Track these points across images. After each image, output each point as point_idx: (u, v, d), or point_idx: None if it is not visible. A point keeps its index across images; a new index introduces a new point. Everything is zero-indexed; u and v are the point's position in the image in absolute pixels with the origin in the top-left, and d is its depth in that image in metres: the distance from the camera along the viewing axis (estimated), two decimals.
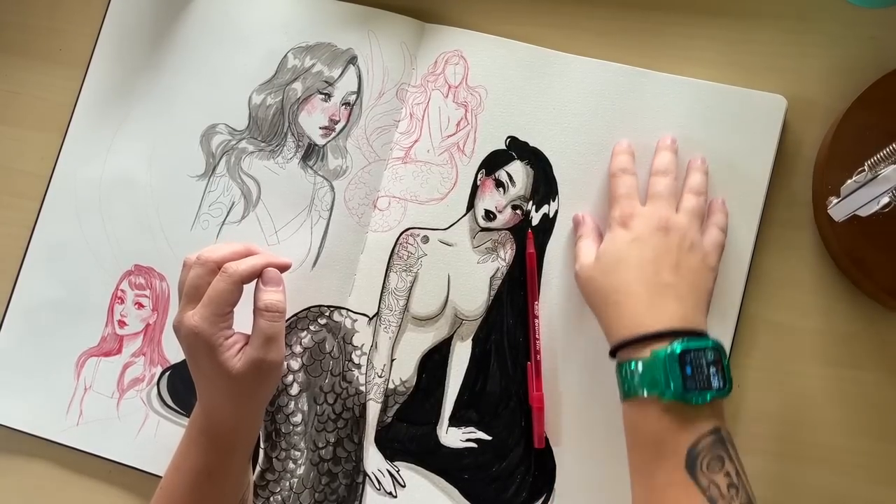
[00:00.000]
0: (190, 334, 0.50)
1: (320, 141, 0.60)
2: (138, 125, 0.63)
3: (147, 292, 0.61)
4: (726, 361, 0.45)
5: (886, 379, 0.52)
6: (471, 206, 0.58)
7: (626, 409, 0.47)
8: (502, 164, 0.58)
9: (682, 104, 0.56)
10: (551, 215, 0.57)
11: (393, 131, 0.60)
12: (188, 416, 0.59)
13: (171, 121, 0.63)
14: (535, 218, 0.57)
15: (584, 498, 0.54)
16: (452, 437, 0.56)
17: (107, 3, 0.65)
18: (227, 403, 0.52)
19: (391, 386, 0.57)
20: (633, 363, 0.45)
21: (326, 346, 0.58)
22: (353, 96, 0.60)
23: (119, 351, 0.61)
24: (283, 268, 0.55)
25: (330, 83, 0.60)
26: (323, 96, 0.60)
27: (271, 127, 0.61)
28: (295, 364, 0.58)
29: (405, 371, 0.57)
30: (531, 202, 0.57)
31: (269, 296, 0.53)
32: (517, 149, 0.58)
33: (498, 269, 0.57)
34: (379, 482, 0.57)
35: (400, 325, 0.58)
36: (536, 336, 0.55)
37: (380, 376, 0.57)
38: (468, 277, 0.57)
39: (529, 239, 0.56)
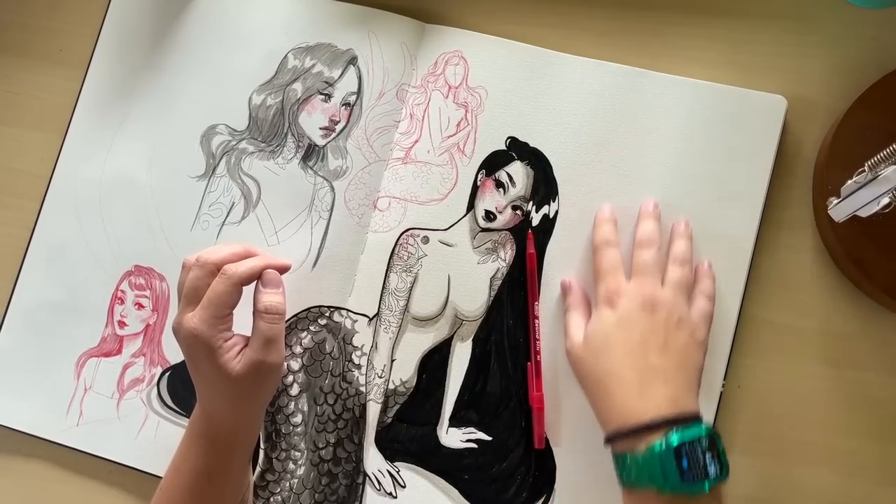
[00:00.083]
0: (189, 336, 0.50)
1: (320, 141, 0.60)
2: (138, 125, 0.63)
3: (147, 293, 0.61)
4: (721, 447, 0.45)
5: (886, 379, 0.52)
6: (471, 206, 0.58)
7: (625, 495, 0.47)
8: (502, 165, 0.58)
9: (682, 104, 0.56)
10: (551, 216, 0.57)
11: (393, 132, 0.60)
12: (188, 417, 0.59)
13: (171, 121, 0.63)
14: (536, 218, 0.57)
15: (584, 498, 0.54)
16: (452, 437, 0.56)
17: (107, 3, 0.65)
18: (226, 405, 0.52)
19: (391, 386, 0.57)
20: (628, 457, 0.45)
21: (326, 347, 0.58)
22: (354, 97, 0.60)
23: (119, 351, 0.61)
24: (283, 269, 0.55)
25: (330, 83, 0.60)
26: (323, 97, 0.60)
27: (271, 127, 0.61)
28: (295, 364, 0.58)
29: (405, 371, 0.57)
30: (531, 203, 0.57)
31: (269, 297, 0.53)
32: (517, 149, 0.58)
33: (498, 270, 0.57)
34: (379, 483, 0.57)
35: (400, 326, 0.57)
36: (536, 336, 0.55)
37: (380, 377, 0.57)
38: (468, 278, 0.57)
39: (529, 239, 0.56)
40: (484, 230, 0.58)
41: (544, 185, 0.57)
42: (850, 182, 0.46)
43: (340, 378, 0.58)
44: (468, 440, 0.56)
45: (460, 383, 0.57)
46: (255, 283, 0.54)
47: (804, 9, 0.56)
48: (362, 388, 0.57)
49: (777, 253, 0.54)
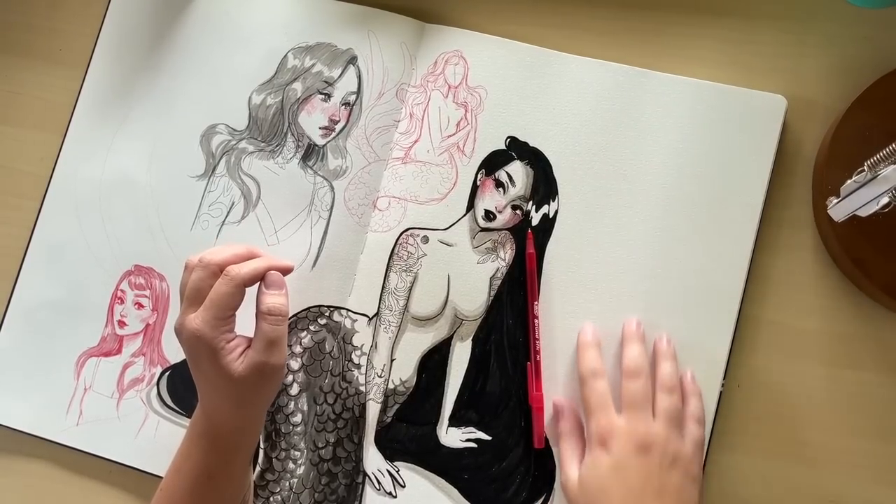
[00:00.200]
0: (192, 337, 0.50)
1: (320, 141, 0.60)
2: (138, 125, 0.63)
3: (147, 292, 0.61)
4: None
5: (886, 379, 0.52)
6: (471, 206, 0.58)
7: None
8: (502, 165, 0.58)
9: (682, 104, 0.56)
10: (551, 215, 0.57)
11: (393, 131, 0.60)
12: (188, 417, 0.59)
13: (171, 121, 0.63)
14: (535, 218, 0.57)
15: None
16: (452, 437, 0.56)
17: (107, 3, 0.65)
18: (228, 406, 0.52)
19: (391, 386, 0.57)
20: None
21: (326, 347, 0.58)
22: (353, 96, 0.60)
23: (119, 351, 0.61)
24: (286, 271, 0.55)
25: (330, 83, 0.60)
26: (323, 96, 0.60)
27: (271, 127, 0.61)
28: (295, 364, 0.58)
29: (405, 371, 0.57)
30: (531, 202, 0.57)
31: (272, 299, 0.53)
32: (517, 149, 0.58)
33: (498, 270, 0.57)
34: (379, 482, 0.57)
35: (400, 326, 0.57)
36: (536, 336, 0.55)
37: (380, 376, 0.57)
38: (468, 277, 0.57)
39: (529, 239, 0.56)
40: (484, 230, 0.58)
41: (544, 185, 0.57)
42: (849, 182, 0.46)
43: (340, 378, 0.58)
44: (468, 440, 0.56)
45: (460, 383, 0.57)
46: (257, 284, 0.54)
47: (804, 9, 0.56)
48: (362, 388, 0.57)
49: (777, 253, 0.54)
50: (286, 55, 0.61)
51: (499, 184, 0.58)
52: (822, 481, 0.52)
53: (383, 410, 0.57)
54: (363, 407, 0.57)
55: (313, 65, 0.61)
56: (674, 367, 0.52)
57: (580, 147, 0.57)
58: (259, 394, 0.52)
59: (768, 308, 0.54)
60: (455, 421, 0.56)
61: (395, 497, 0.56)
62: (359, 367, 0.58)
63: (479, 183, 0.58)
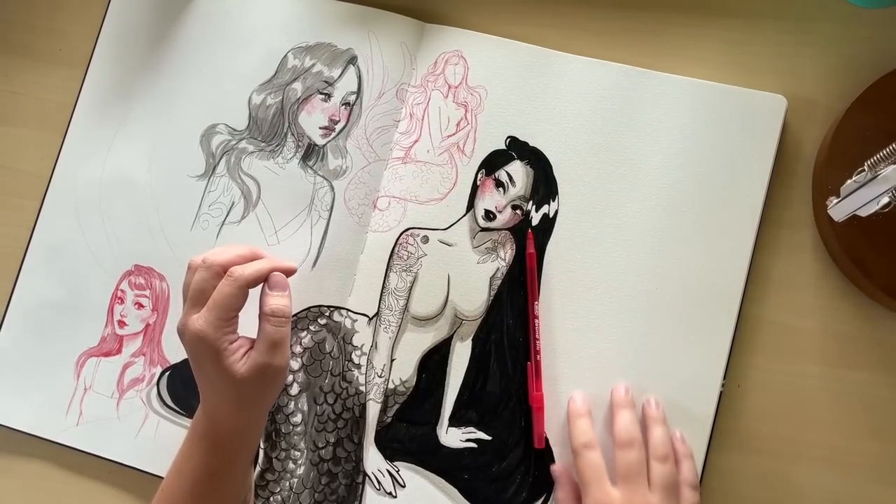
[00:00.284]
0: (194, 338, 0.50)
1: (320, 141, 0.60)
2: (138, 125, 0.63)
3: (147, 292, 0.61)
4: None
5: (886, 379, 0.52)
6: (471, 206, 0.58)
7: None
8: (502, 164, 0.58)
9: (682, 104, 0.56)
10: (551, 215, 0.57)
11: (393, 131, 0.60)
12: (188, 417, 0.59)
13: (171, 121, 0.63)
14: (535, 218, 0.57)
15: None
16: (452, 437, 0.56)
17: (107, 3, 0.65)
18: (230, 407, 0.52)
19: (391, 386, 0.57)
20: None
21: (326, 347, 0.58)
22: (353, 96, 0.60)
23: (119, 351, 0.61)
24: (289, 272, 0.55)
25: (330, 83, 0.60)
26: (323, 96, 0.61)
27: (271, 127, 0.61)
28: (295, 364, 0.58)
29: (405, 371, 0.57)
30: (531, 202, 0.57)
31: (275, 300, 0.52)
32: (517, 149, 0.58)
33: (498, 269, 0.57)
34: (379, 482, 0.57)
35: (400, 325, 0.57)
36: (536, 336, 0.55)
37: (380, 376, 0.57)
38: (468, 277, 0.57)
39: (529, 239, 0.56)
40: (484, 230, 0.58)
41: (544, 185, 0.57)
42: (849, 182, 0.46)
43: (340, 378, 0.58)
44: (468, 440, 0.56)
45: (460, 383, 0.57)
46: (261, 285, 0.54)
47: (804, 9, 0.56)
48: (362, 388, 0.57)
49: (777, 253, 0.54)
50: (286, 55, 0.61)
51: (499, 184, 0.58)
52: (822, 481, 0.52)
53: (383, 410, 0.57)
54: (363, 407, 0.57)
55: (313, 65, 0.61)
56: (665, 433, 0.52)
57: (580, 147, 0.57)
58: (261, 395, 0.52)
59: (768, 308, 0.54)
60: (455, 421, 0.56)
61: (395, 497, 0.56)
62: (359, 367, 0.58)
63: (479, 183, 0.58)
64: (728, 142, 0.55)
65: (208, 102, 0.62)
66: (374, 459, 0.57)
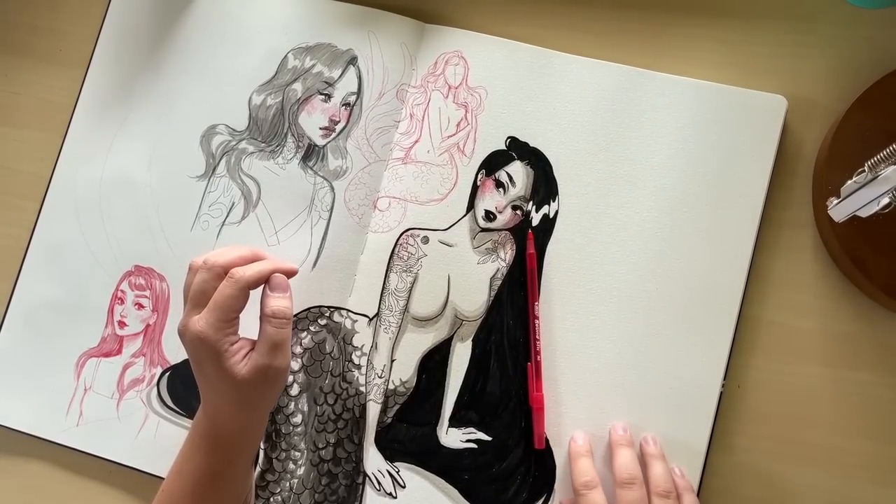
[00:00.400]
0: (195, 339, 0.50)
1: (320, 141, 0.60)
2: (138, 126, 0.63)
3: (147, 293, 0.61)
4: None
5: (886, 379, 0.52)
6: (471, 206, 0.58)
7: None
8: (502, 165, 0.58)
9: (682, 104, 0.56)
10: (551, 216, 0.57)
11: (393, 132, 0.60)
12: (188, 417, 0.59)
13: (171, 121, 0.63)
14: (536, 218, 0.57)
15: None
16: (452, 437, 0.56)
17: (107, 3, 0.65)
18: (231, 408, 0.52)
19: (391, 386, 0.57)
20: None
21: (326, 347, 0.58)
22: (354, 97, 0.60)
23: (119, 351, 0.61)
24: (290, 274, 0.55)
25: (330, 84, 0.60)
26: (323, 97, 0.61)
27: (271, 127, 0.61)
28: (295, 365, 0.58)
29: (405, 372, 0.57)
30: (531, 202, 0.57)
31: (276, 302, 0.52)
32: (517, 149, 0.58)
33: (498, 270, 0.57)
34: (379, 483, 0.57)
35: (400, 326, 0.58)
36: (536, 336, 0.55)
37: (380, 377, 0.57)
38: (468, 278, 0.57)
39: (530, 239, 0.56)
40: (484, 230, 0.58)
41: (544, 185, 0.57)
42: (849, 182, 0.46)
43: (340, 378, 0.58)
44: (468, 440, 0.56)
45: (460, 383, 0.57)
46: (261, 287, 0.54)
47: (804, 9, 0.56)
48: (362, 389, 0.57)
49: (777, 253, 0.54)
50: (286, 56, 0.61)
51: (499, 184, 0.58)
52: (822, 481, 0.52)
53: (383, 411, 0.57)
54: (363, 407, 0.57)
55: (313, 65, 0.61)
56: (665, 469, 0.52)
57: (580, 147, 0.57)
58: (262, 396, 0.52)
59: (768, 308, 0.54)
60: (455, 421, 0.56)
61: (396, 497, 0.56)
62: (359, 367, 0.58)
63: (479, 183, 0.58)
64: (728, 142, 0.55)
65: (208, 103, 0.62)
66: (374, 460, 0.57)
